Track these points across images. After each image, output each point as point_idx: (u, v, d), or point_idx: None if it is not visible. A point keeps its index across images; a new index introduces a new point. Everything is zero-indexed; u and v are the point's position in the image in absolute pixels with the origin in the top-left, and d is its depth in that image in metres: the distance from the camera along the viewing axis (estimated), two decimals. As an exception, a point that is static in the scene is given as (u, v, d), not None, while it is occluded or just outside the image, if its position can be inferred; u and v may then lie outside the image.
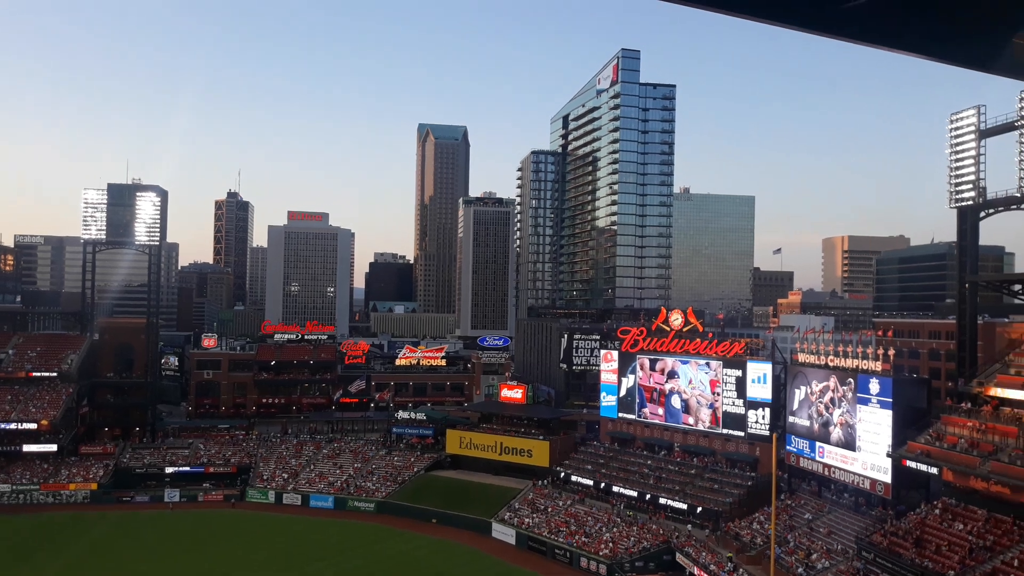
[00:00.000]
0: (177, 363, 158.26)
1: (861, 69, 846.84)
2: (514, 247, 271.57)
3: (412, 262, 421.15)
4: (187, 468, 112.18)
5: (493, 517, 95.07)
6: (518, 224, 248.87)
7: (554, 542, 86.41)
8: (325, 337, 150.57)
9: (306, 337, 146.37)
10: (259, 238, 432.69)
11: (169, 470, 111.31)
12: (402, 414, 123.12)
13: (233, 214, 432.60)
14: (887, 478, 70.38)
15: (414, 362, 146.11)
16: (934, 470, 64.29)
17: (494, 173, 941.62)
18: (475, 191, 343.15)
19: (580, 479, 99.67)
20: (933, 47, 12.38)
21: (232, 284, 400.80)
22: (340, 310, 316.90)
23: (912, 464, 66.45)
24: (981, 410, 65.76)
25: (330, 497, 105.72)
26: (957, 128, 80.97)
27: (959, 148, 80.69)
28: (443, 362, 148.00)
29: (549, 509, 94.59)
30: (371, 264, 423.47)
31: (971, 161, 79.34)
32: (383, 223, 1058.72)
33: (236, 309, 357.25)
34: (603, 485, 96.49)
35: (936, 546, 58.54)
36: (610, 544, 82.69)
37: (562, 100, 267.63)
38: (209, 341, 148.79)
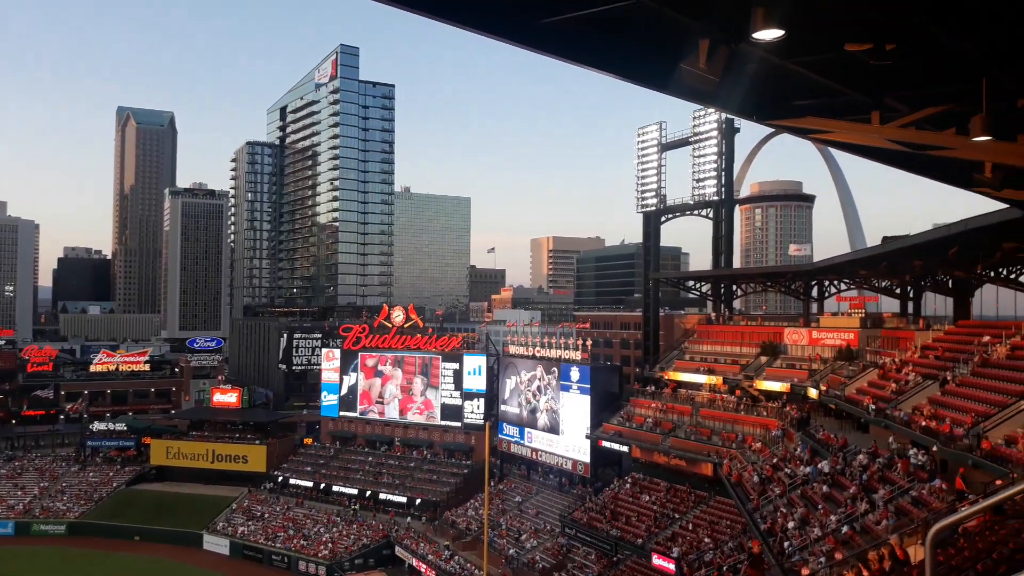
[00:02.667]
0: None
1: (563, 81, 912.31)
2: (228, 242, 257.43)
3: (109, 257, 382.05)
4: None
5: (204, 529, 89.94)
6: (232, 218, 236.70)
7: (271, 548, 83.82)
8: (3, 342, 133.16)
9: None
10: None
11: None
12: (98, 425, 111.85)
13: None
14: (587, 458, 76.95)
15: (112, 368, 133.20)
16: (625, 448, 71.53)
17: (205, 163, 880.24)
18: (184, 182, 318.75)
19: (299, 481, 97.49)
20: (614, 66, 14.00)
21: None
22: (22, 311, 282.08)
23: (607, 444, 73.48)
24: (663, 392, 74.25)
25: (10, 522, 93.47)
26: (643, 141, 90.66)
27: (645, 159, 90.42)
28: (147, 367, 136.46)
29: (266, 515, 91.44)
30: (60, 260, 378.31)
31: (654, 171, 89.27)
32: (75, 215, 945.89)
33: None
34: (323, 486, 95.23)
35: (627, 517, 65.10)
36: (329, 544, 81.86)
37: (279, 91, 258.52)
38: None
